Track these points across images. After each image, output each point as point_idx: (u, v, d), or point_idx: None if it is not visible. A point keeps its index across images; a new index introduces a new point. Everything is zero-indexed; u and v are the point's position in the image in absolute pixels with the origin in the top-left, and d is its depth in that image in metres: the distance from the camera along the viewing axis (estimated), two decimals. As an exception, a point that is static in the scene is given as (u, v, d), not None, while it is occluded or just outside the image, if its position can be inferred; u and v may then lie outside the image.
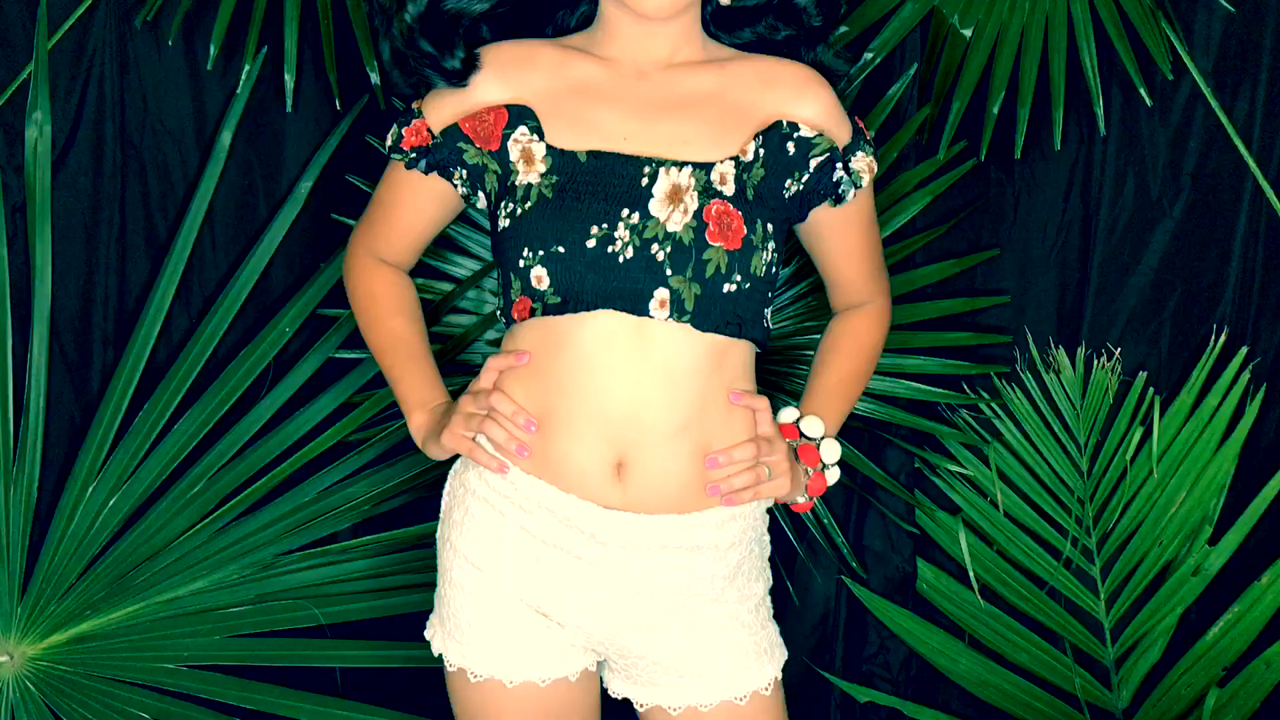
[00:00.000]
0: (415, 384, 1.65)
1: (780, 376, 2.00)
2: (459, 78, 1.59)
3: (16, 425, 1.94)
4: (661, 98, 1.58)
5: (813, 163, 1.59)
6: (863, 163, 1.62)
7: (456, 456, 1.65)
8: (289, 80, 1.91)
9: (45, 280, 1.93)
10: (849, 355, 1.73)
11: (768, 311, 1.59)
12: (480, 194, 1.62)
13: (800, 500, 1.64)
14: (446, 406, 1.63)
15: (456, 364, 2.01)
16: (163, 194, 1.98)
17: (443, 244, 1.98)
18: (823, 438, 1.65)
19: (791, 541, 2.11)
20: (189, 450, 1.98)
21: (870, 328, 1.75)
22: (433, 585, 1.67)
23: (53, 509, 1.97)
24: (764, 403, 1.58)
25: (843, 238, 1.68)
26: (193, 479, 1.98)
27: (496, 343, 2.00)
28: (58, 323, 1.98)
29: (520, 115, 1.57)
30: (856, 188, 1.62)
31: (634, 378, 1.52)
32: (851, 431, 2.06)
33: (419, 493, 2.03)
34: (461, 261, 2.00)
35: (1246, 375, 2.05)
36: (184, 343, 1.99)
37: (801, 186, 1.60)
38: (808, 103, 1.60)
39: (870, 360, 1.75)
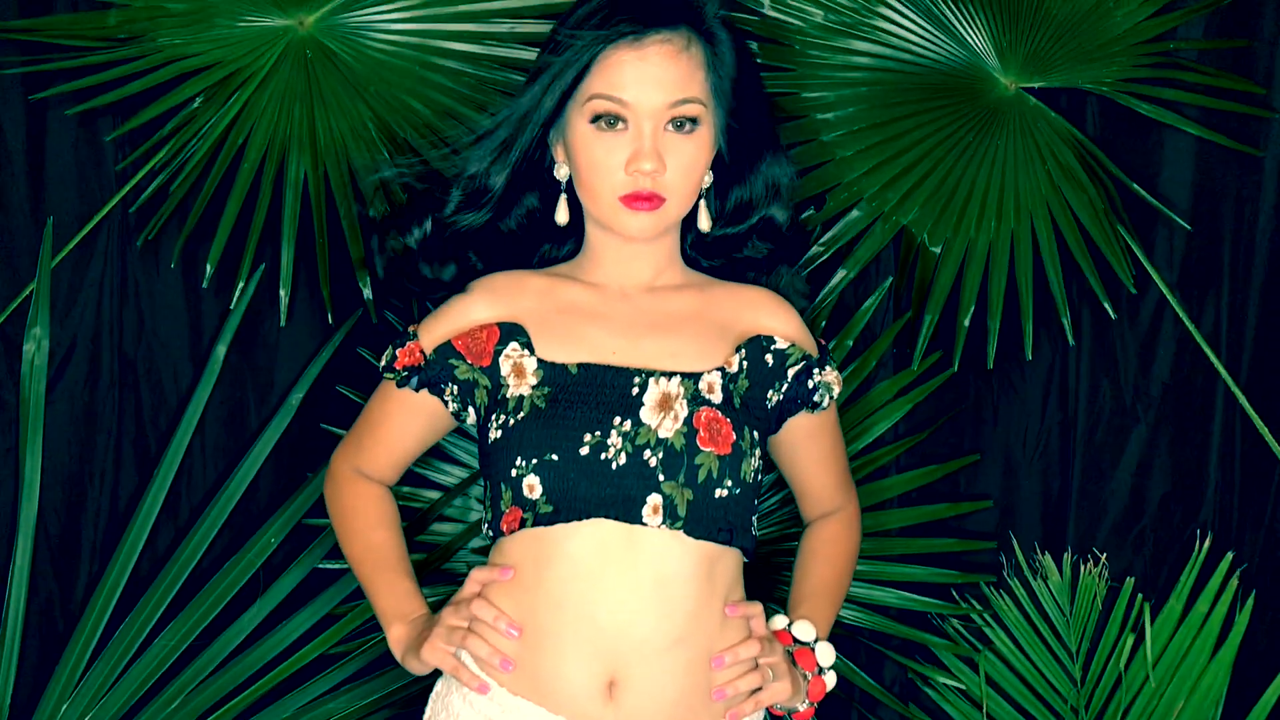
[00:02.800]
0: (394, 596, 1.64)
1: (765, 585, 2.00)
2: (451, 291, 1.65)
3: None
4: (646, 317, 1.63)
5: (790, 372, 1.63)
6: (831, 375, 1.68)
7: (439, 672, 1.62)
8: (284, 296, 1.97)
9: (33, 492, 1.94)
10: (829, 561, 1.74)
11: (755, 520, 1.60)
12: (470, 409, 1.65)
13: (801, 708, 1.62)
14: (427, 619, 1.61)
15: (440, 574, 2.00)
16: (155, 406, 2.02)
17: (429, 452, 2.00)
18: (816, 640, 1.64)
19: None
20: (170, 664, 1.95)
21: (846, 533, 1.77)
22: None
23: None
24: (758, 608, 1.59)
25: (817, 445, 1.72)
26: (172, 693, 1.95)
27: (482, 551, 2.00)
28: (48, 532, 1.98)
29: (511, 332, 1.62)
30: (829, 395, 1.67)
31: (626, 589, 1.52)
32: (845, 643, 2.04)
33: (401, 708, 1.99)
34: (448, 469, 2.02)
35: (1235, 581, 2.06)
36: (170, 553, 1.99)
37: (781, 396, 1.64)
38: (779, 319, 1.67)
39: (849, 565, 1.76)
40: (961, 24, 2.00)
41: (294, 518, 1.99)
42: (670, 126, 1.55)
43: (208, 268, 1.96)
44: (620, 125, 1.55)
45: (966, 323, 2.03)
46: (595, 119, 1.55)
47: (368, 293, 1.97)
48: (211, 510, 1.98)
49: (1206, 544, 2.08)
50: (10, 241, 1.98)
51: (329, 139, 1.96)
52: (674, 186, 1.56)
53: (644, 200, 1.55)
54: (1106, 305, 2.04)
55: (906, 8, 1.99)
